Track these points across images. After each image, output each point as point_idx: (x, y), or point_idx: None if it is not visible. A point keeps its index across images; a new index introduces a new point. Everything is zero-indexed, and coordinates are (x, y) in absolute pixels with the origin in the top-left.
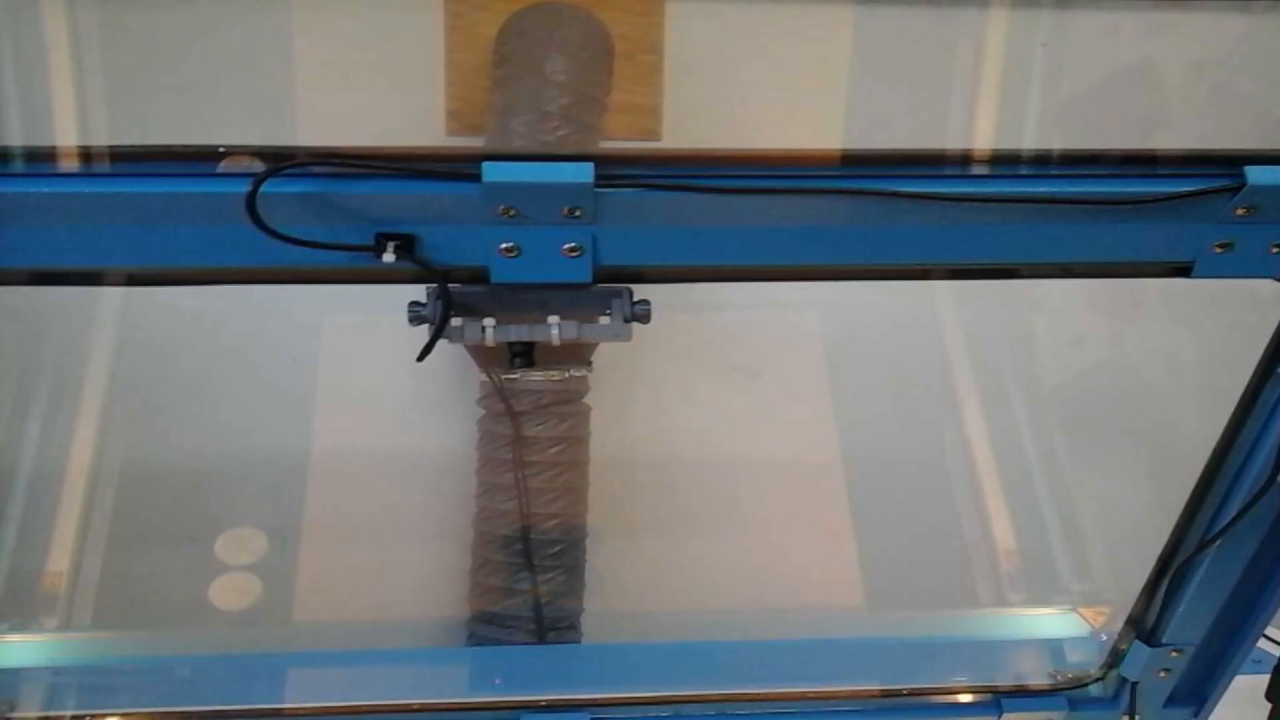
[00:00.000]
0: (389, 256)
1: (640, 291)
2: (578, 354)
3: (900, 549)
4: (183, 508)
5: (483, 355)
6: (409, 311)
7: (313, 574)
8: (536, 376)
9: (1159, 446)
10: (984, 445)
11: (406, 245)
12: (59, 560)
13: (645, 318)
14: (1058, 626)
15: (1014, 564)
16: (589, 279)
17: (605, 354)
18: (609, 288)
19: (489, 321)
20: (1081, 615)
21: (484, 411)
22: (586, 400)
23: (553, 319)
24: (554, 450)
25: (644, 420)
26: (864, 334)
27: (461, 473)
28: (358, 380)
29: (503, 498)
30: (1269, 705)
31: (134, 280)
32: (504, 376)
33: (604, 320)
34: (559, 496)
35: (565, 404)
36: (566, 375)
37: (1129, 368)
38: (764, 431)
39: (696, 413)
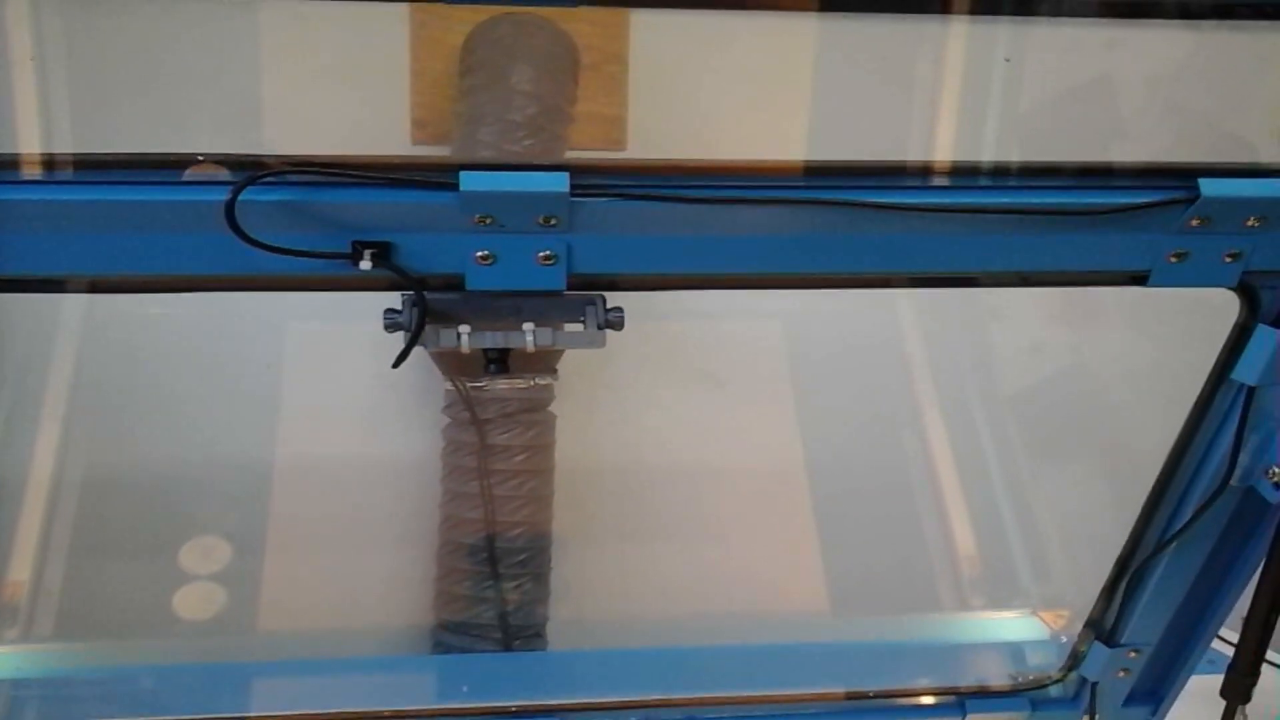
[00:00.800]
0: (366, 264)
1: (611, 300)
2: (544, 362)
3: (863, 554)
4: (146, 516)
5: (448, 363)
6: (385, 318)
7: (278, 583)
8: (502, 384)
9: (1116, 451)
10: (945, 451)
11: (383, 253)
12: (20, 570)
13: (618, 324)
14: (1019, 629)
15: (975, 568)
16: (563, 286)
17: (571, 362)
18: (583, 295)
19: (464, 328)
20: (1042, 618)
21: (449, 419)
22: (552, 408)
23: (527, 325)
24: (519, 458)
25: (609, 428)
26: (827, 342)
27: (427, 481)
28: (322, 388)
29: (468, 505)
30: (1223, 703)
31: (108, 288)
32: (470, 385)
33: (578, 327)
34: (524, 504)
35: (531, 412)
36: (532, 383)
37: (1087, 375)
38: (729, 439)
39: (661, 420)
